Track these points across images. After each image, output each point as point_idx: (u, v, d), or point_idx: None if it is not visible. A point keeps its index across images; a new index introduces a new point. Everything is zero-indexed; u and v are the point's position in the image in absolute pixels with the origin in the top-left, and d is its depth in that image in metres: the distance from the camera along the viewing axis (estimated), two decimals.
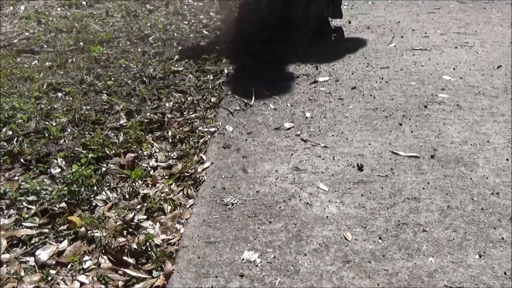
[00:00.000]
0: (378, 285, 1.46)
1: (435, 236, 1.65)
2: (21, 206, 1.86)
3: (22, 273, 1.54)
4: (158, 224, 1.78)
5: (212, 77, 2.98)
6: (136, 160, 2.16)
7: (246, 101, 2.66)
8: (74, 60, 3.24)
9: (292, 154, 2.17)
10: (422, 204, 1.81)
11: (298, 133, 2.33)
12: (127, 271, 1.56)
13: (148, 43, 3.58)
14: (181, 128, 2.41)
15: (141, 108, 2.60)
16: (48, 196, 1.89)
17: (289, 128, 2.38)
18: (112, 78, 2.95)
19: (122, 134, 2.35)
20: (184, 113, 2.57)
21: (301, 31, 3.41)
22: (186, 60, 3.21)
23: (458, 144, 2.19)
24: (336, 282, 1.47)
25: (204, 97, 2.73)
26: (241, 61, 3.19)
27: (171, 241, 1.69)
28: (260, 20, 3.46)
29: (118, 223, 1.75)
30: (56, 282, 1.51)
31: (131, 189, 1.96)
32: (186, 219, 1.79)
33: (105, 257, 1.61)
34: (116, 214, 1.82)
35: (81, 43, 3.53)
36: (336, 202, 1.84)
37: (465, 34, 3.63)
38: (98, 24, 4.01)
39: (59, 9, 4.53)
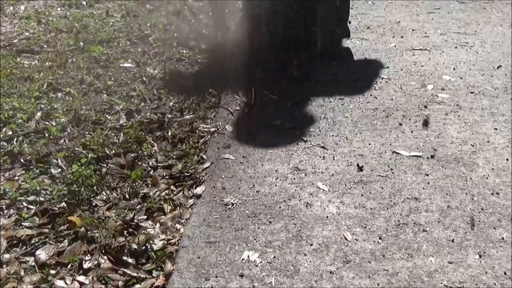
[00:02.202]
0: (378, 285, 1.46)
1: (435, 236, 1.65)
2: (21, 206, 1.86)
3: (22, 273, 1.55)
4: (158, 224, 1.78)
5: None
6: (136, 160, 2.16)
7: (246, 101, 2.66)
8: (74, 60, 3.24)
9: (292, 154, 2.17)
10: (422, 204, 1.81)
11: (298, 133, 2.33)
12: (127, 271, 1.57)
13: (148, 43, 3.58)
14: (181, 128, 2.41)
15: (141, 108, 2.60)
16: (48, 196, 1.89)
17: (289, 128, 2.38)
18: (112, 78, 2.95)
19: (122, 134, 2.35)
20: (184, 113, 2.57)
21: (307, 53, 3.08)
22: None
23: (458, 144, 2.19)
24: (336, 282, 1.47)
25: (204, 97, 2.73)
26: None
27: (171, 241, 1.69)
28: (262, 39, 3.10)
29: (118, 223, 1.75)
30: (56, 282, 1.51)
31: (131, 189, 1.96)
32: (186, 219, 1.79)
33: (105, 257, 1.61)
34: (116, 214, 1.82)
35: (81, 43, 3.53)
36: (336, 202, 1.84)
37: (465, 34, 3.62)
38: (98, 24, 4.01)
39: (59, 9, 4.52)
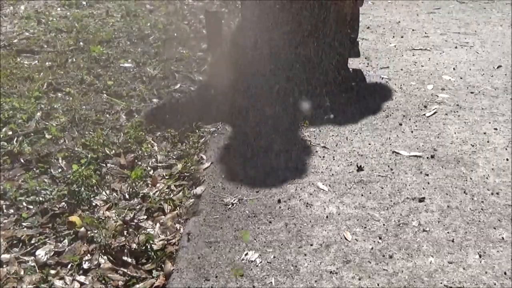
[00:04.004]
0: (378, 285, 1.46)
1: (435, 236, 1.65)
2: (21, 206, 1.86)
3: (22, 273, 1.55)
4: (158, 224, 1.78)
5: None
6: (136, 160, 2.16)
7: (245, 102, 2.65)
8: (74, 60, 3.24)
9: (292, 153, 2.17)
10: (422, 204, 1.81)
11: (298, 133, 2.33)
12: (127, 271, 1.57)
13: (148, 43, 3.58)
14: (181, 128, 2.41)
15: (141, 108, 2.60)
16: (48, 196, 1.89)
17: (289, 128, 2.38)
18: (112, 78, 2.95)
19: (122, 134, 2.35)
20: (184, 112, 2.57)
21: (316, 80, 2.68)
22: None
23: (458, 144, 2.19)
24: (336, 282, 1.47)
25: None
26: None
27: (171, 241, 1.69)
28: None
29: (118, 223, 1.75)
30: (55, 282, 1.51)
31: (131, 189, 1.96)
32: (186, 219, 1.79)
33: (105, 257, 1.61)
34: (116, 214, 1.82)
35: (81, 43, 3.53)
36: (336, 202, 1.84)
37: (465, 34, 3.63)
38: (98, 24, 4.01)
39: (59, 9, 4.53)
